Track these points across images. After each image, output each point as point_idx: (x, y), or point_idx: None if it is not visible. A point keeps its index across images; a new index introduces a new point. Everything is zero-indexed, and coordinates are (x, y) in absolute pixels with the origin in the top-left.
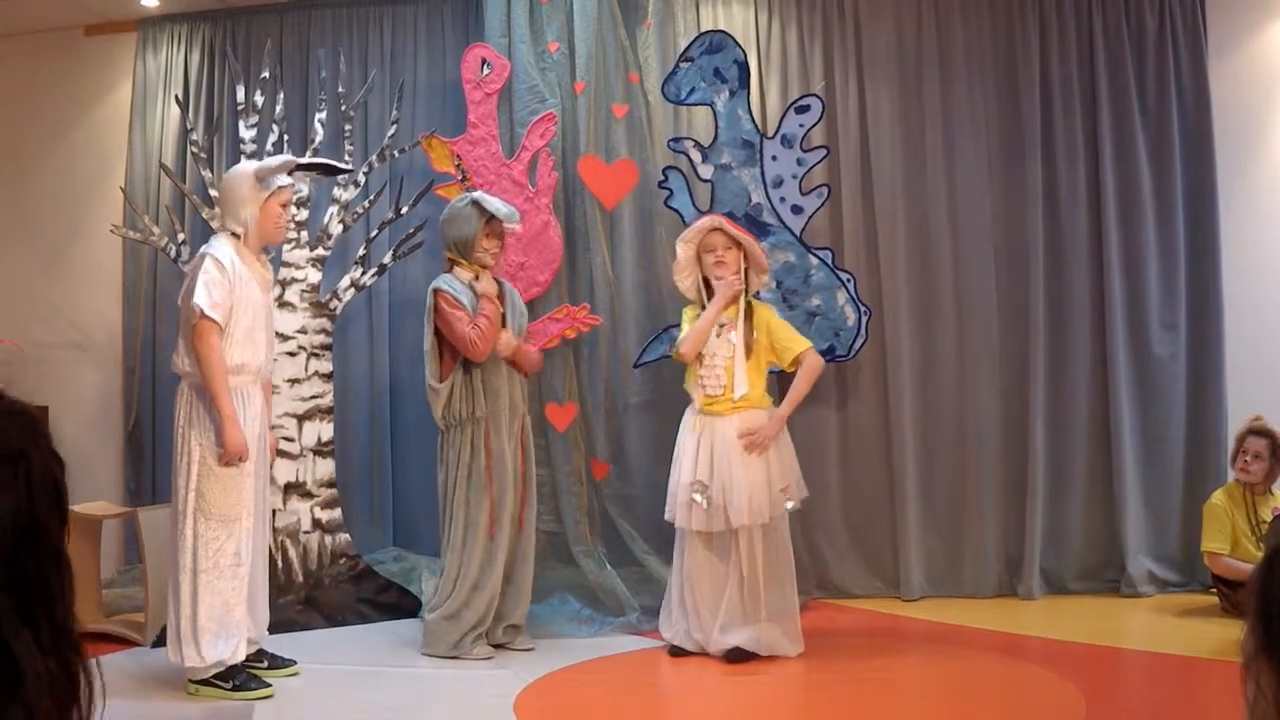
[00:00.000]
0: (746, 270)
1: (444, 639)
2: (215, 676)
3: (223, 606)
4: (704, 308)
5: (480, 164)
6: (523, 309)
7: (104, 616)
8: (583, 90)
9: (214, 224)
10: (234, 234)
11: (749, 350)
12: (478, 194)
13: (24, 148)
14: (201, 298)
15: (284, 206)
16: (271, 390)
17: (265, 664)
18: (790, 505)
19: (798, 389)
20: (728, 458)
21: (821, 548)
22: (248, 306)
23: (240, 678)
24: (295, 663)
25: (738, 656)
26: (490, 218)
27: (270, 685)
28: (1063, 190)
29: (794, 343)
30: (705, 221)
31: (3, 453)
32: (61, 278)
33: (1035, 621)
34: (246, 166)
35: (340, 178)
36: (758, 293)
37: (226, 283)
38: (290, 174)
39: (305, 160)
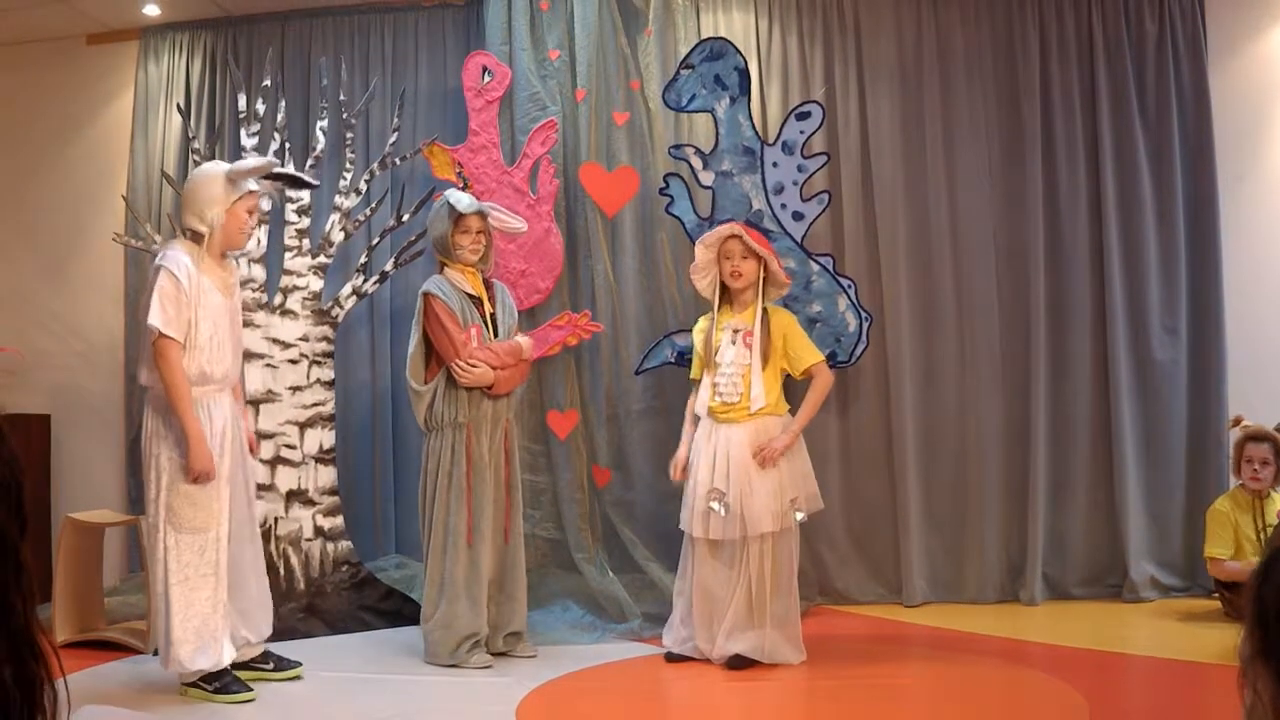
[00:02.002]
0: (765, 280)
1: (442, 648)
2: (200, 679)
3: (198, 617)
4: (714, 309)
5: (481, 171)
6: (513, 309)
7: (106, 624)
8: (584, 97)
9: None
10: (193, 236)
11: (765, 359)
12: (447, 191)
13: (26, 156)
14: (156, 316)
15: (250, 213)
16: (244, 393)
17: (271, 665)
18: (800, 516)
19: (810, 404)
20: (743, 465)
21: (823, 553)
22: (208, 314)
23: (224, 680)
24: (300, 664)
25: (739, 664)
26: (461, 214)
27: (252, 690)
28: (1063, 195)
29: (807, 354)
30: (725, 228)
31: None
32: (63, 286)
33: (1037, 627)
34: (217, 166)
35: (341, 186)
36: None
37: (182, 295)
38: (259, 181)
39: (281, 169)
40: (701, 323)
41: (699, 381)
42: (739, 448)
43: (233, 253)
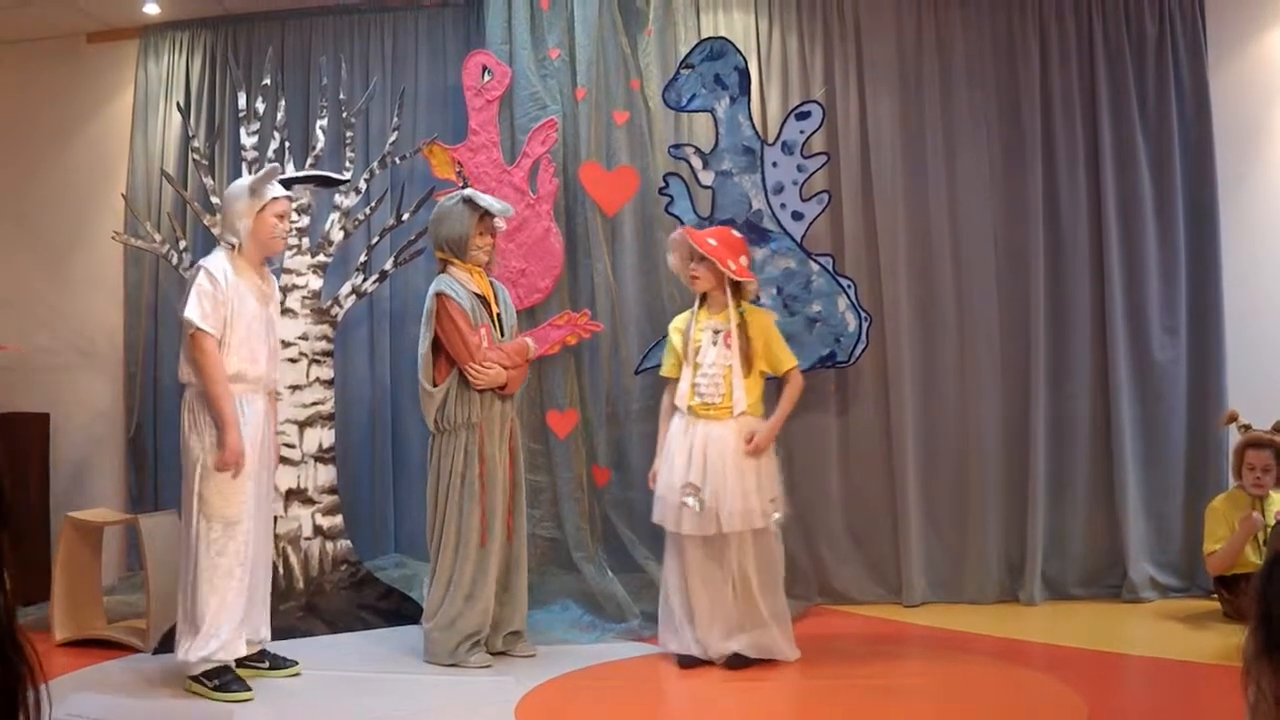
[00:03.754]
0: (734, 281)
1: (442, 647)
2: (203, 675)
3: (220, 605)
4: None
5: (481, 170)
6: (513, 309)
7: (105, 623)
8: (584, 97)
9: (215, 233)
10: (231, 245)
11: (747, 361)
12: (468, 191)
13: (26, 155)
14: (192, 311)
15: (280, 218)
16: (276, 398)
17: (267, 664)
18: (777, 516)
19: (785, 407)
20: (723, 461)
21: (823, 553)
22: (241, 318)
23: (224, 678)
24: (297, 663)
25: (739, 663)
26: (483, 214)
27: (251, 690)
28: (1063, 196)
29: (786, 358)
30: (676, 233)
31: None
32: (63, 284)
33: (1037, 627)
34: (243, 180)
35: (341, 185)
36: (756, 298)
37: (219, 293)
38: (288, 186)
39: (291, 175)
40: (678, 321)
41: (673, 380)
42: (718, 443)
43: (272, 259)
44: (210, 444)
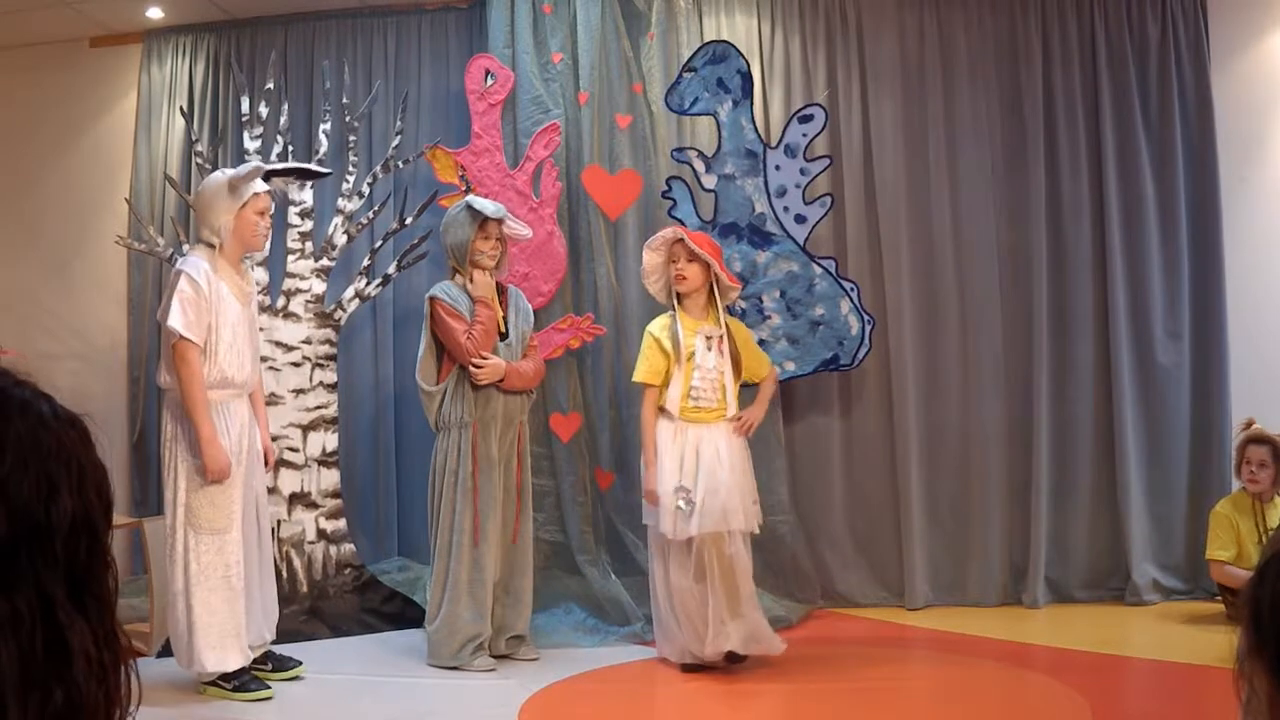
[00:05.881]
0: (716, 284)
1: (443, 649)
2: (219, 678)
3: (216, 617)
4: (672, 310)
5: (484, 175)
6: (529, 314)
7: None
8: (586, 101)
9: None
10: (209, 245)
11: (736, 367)
12: (469, 197)
13: (29, 159)
14: (176, 319)
15: (260, 215)
16: (264, 400)
17: (270, 666)
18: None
19: (764, 395)
20: (718, 461)
21: (826, 556)
22: (226, 321)
23: (242, 679)
24: (300, 663)
25: (737, 659)
26: (484, 219)
27: (270, 687)
28: (1066, 199)
29: (763, 363)
30: (668, 232)
31: (65, 457)
32: (66, 288)
33: (1040, 630)
34: (220, 175)
35: (344, 189)
36: (729, 307)
37: (202, 300)
38: (267, 180)
39: (276, 166)
40: (658, 328)
41: (652, 387)
42: (710, 445)
43: (249, 256)
44: (195, 455)
